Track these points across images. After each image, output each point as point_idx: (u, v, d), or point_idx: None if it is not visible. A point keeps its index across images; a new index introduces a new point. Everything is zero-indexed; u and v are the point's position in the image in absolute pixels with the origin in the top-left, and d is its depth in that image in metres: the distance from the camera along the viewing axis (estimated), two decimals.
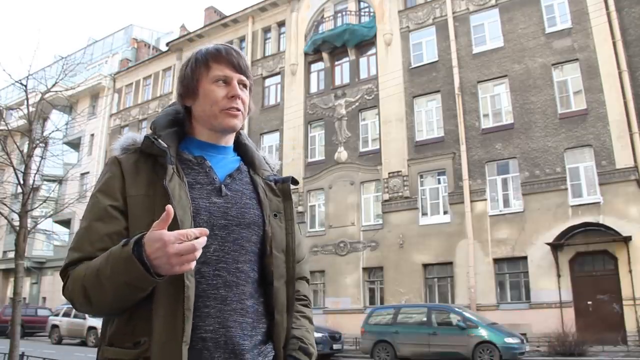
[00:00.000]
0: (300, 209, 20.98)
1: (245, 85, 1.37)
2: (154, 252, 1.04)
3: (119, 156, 1.33)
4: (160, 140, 1.29)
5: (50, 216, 10.50)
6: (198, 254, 1.06)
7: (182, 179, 1.26)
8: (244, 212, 1.31)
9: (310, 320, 1.44)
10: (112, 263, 1.10)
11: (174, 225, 1.12)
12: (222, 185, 1.32)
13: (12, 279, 26.58)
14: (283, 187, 1.43)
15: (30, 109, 8.48)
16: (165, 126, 1.37)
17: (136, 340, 1.17)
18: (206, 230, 1.08)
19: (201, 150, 1.37)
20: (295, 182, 1.47)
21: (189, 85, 1.37)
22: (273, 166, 1.51)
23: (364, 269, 19.61)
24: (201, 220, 1.24)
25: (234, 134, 1.43)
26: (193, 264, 1.07)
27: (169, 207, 1.06)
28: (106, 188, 1.27)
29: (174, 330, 1.13)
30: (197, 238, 1.06)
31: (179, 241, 1.04)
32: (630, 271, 14.64)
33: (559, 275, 15.63)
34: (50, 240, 26.71)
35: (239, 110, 1.34)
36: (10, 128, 8.99)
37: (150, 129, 1.38)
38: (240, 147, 1.46)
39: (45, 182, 14.85)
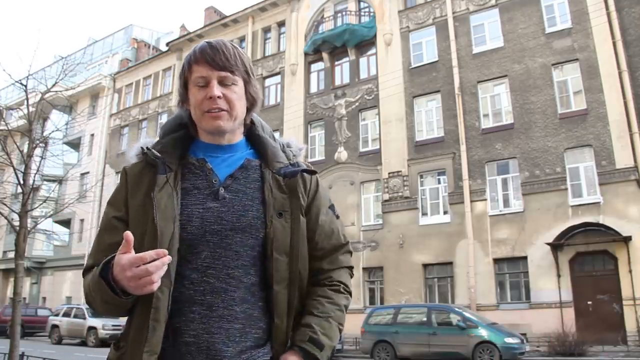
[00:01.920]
0: None
1: (228, 82, 1.30)
2: (117, 274, 1.11)
3: (127, 166, 1.36)
4: (152, 150, 1.30)
5: (50, 216, 10.50)
6: (156, 276, 1.09)
7: (175, 187, 1.27)
8: (240, 216, 1.27)
9: (339, 306, 1.33)
10: (92, 281, 1.20)
11: (153, 238, 1.19)
12: (221, 188, 1.30)
13: (12, 279, 26.59)
14: (290, 182, 1.34)
15: (30, 109, 8.48)
16: (171, 130, 1.38)
17: (120, 344, 1.25)
18: (163, 252, 1.09)
19: (205, 151, 1.35)
20: (312, 172, 1.39)
21: (181, 90, 1.37)
22: (296, 151, 1.44)
23: (364, 269, 19.60)
24: (193, 227, 1.25)
25: (240, 129, 1.39)
26: (155, 285, 1.10)
27: (127, 233, 1.10)
28: (113, 199, 1.33)
29: (140, 339, 1.18)
30: (165, 257, 1.10)
31: (134, 265, 1.07)
32: (630, 271, 14.64)
33: (559, 275, 15.63)
34: (50, 240, 26.76)
35: (221, 109, 1.28)
36: (10, 128, 8.98)
37: (159, 134, 1.40)
38: (254, 140, 1.41)
39: (45, 182, 14.85)
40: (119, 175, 1.36)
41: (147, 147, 1.31)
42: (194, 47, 1.34)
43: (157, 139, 1.38)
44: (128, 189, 1.30)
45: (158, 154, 1.29)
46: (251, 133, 1.41)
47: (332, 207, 1.44)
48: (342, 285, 1.37)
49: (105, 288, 1.13)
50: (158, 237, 1.19)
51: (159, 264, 1.08)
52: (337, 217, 1.45)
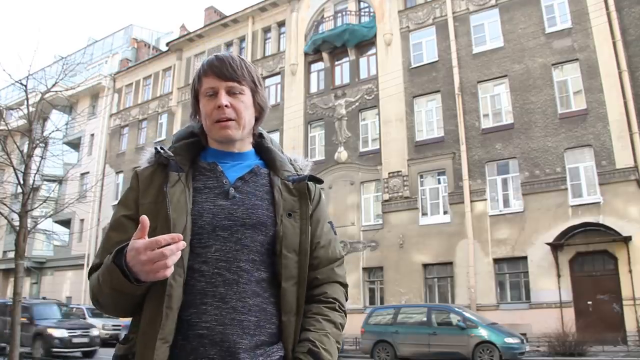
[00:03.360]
0: None
1: (236, 91, 1.36)
2: (131, 260, 1.12)
3: (138, 169, 1.40)
4: (166, 150, 1.36)
5: (50, 216, 10.52)
6: (171, 260, 1.10)
7: (187, 185, 1.32)
8: (250, 213, 1.32)
9: (335, 324, 1.34)
10: (103, 271, 1.21)
11: (166, 228, 1.21)
12: (231, 188, 1.34)
13: (12, 279, 26.57)
14: (299, 186, 1.40)
15: (30, 109, 8.50)
16: (184, 137, 1.44)
17: (129, 337, 1.27)
18: (178, 236, 1.11)
19: (216, 158, 1.41)
20: (318, 181, 1.45)
21: (193, 102, 1.43)
22: (303, 166, 1.51)
23: (364, 269, 19.61)
24: (203, 222, 1.28)
25: (250, 139, 1.46)
26: (169, 271, 1.12)
27: (143, 217, 1.11)
28: (123, 200, 1.37)
29: (154, 326, 1.19)
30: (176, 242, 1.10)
31: (149, 249, 1.08)
32: (630, 271, 14.64)
33: (559, 275, 15.63)
34: (50, 240, 26.72)
35: (229, 119, 1.35)
36: (10, 128, 9.01)
37: (172, 140, 1.46)
38: (263, 151, 1.47)
39: (45, 182, 14.86)
40: (127, 177, 1.40)
41: (161, 147, 1.37)
42: (203, 61, 1.41)
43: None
44: (139, 189, 1.34)
45: (171, 154, 1.36)
46: (260, 145, 1.48)
47: (331, 223, 1.48)
48: (337, 303, 1.38)
49: (118, 274, 1.14)
50: (171, 228, 1.21)
51: (173, 248, 1.09)
52: (335, 233, 1.49)
